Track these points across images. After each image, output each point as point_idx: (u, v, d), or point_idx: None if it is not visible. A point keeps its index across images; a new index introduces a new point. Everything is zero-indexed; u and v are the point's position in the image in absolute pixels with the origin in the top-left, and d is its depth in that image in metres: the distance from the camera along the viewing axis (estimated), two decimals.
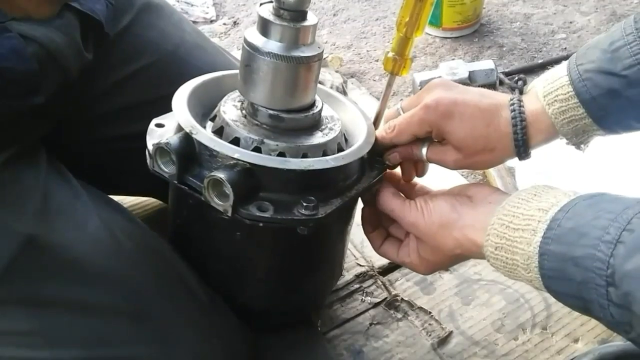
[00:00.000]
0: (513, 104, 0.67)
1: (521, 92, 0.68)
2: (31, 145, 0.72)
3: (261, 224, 0.63)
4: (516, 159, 0.70)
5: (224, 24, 1.83)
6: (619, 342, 0.82)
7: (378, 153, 0.74)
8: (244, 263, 0.75)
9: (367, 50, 1.66)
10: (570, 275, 0.51)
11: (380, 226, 0.76)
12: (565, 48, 1.64)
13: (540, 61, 1.59)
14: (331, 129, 0.73)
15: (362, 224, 0.77)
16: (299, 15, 0.65)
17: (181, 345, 0.70)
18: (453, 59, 1.58)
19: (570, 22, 1.73)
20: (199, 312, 0.73)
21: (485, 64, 1.47)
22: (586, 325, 0.93)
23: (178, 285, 0.73)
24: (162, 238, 0.78)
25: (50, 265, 0.66)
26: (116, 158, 0.86)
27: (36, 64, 0.69)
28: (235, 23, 1.83)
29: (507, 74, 1.52)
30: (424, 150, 0.72)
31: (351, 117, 0.78)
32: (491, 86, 1.44)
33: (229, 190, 0.60)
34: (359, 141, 0.72)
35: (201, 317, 0.73)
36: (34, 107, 0.71)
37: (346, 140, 0.75)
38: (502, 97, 0.69)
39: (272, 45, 0.65)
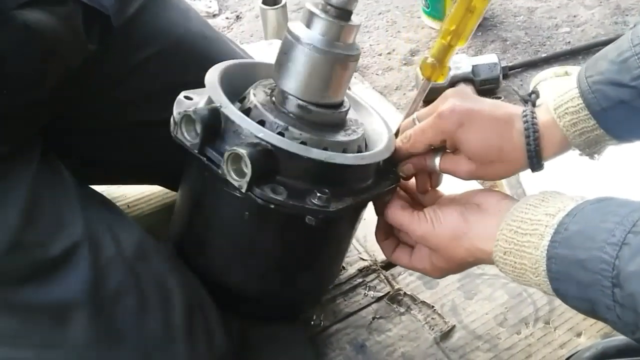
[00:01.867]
0: (526, 115, 0.67)
1: (534, 105, 0.68)
2: (26, 139, 0.72)
3: (272, 206, 0.63)
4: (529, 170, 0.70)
5: (227, 18, 1.83)
6: (621, 337, 0.82)
7: (393, 164, 0.74)
8: (245, 243, 0.75)
9: (370, 45, 1.66)
10: (577, 278, 0.52)
11: (392, 234, 0.76)
12: (569, 42, 1.63)
13: (544, 55, 1.58)
14: (354, 131, 0.74)
15: (376, 232, 0.77)
16: (344, 13, 0.66)
17: (164, 347, 0.70)
18: (457, 53, 1.57)
19: (574, 16, 1.72)
20: (183, 318, 0.72)
21: (489, 58, 1.47)
22: (589, 319, 0.93)
23: (159, 287, 0.72)
24: (163, 237, 0.78)
25: (31, 268, 0.65)
26: (122, 146, 0.86)
27: (39, 57, 0.68)
28: (237, 17, 1.83)
29: (511, 68, 1.52)
30: (437, 161, 0.72)
31: (374, 125, 0.79)
32: (495, 80, 1.44)
33: (247, 166, 0.60)
34: (380, 147, 0.73)
35: (183, 319, 0.72)
36: (37, 101, 0.70)
37: (366, 145, 0.76)
38: (515, 109, 0.69)
39: (314, 37, 0.66)
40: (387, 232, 0.76)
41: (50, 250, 0.66)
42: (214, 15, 1.83)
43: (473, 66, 1.43)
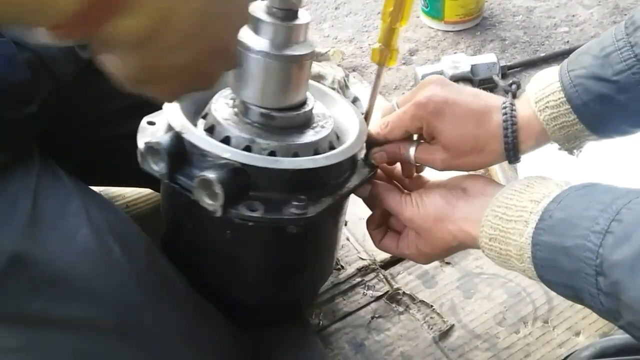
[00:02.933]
0: (505, 107, 0.67)
1: (514, 96, 0.68)
2: (23, 149, 0.71)
3: (251, 223, 0.62)
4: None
5: None
6: (620, 336, 0.82)
7: (370, 150, 0.74)
8: (234, 260, 0.75)
9: (369, 44, 1.66)
10: (561, 265, 0.53)
11: (382, 224, 0.76)
12: (568, 41, 1.63)
13: (542, 54, 1.58)
14: (323, 127, 0.73)
15: (367, 220, 0.77)
16: (291, 13, 0.64)
17: (172, 355, 0.70)
18: (455, 53, 1.58)
19: (573, 16, 1.72)
20: (189, 322, 0.73)
21: (488, 57, 1.47)
22: (588, 318, 0.94)
23: (167, 294, 0.72)
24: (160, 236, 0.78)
25: (36, 281, 0.65)
26: (117, 154, 0.86)
27: (29, 73, 0.67)
28: None
29: (509, 68, 1.52)
30: (412, 150, 0.72)
31: (343, 114, 0.78)
32: (493, 80, 1.44)
33: (219, 190, 0.60)
34: (351, 139, 0.72)
35: (191, 327, 0.72)
36: (29, 115, 0.70)
37: (338, 137, 0.75)
38: (495, 100, 0.69)
39: (264, 43, 0.64)
40: (378, 223, 0.76)
41: (56, 261, 0.65)
42: None
43: (472, 65, 1.43)
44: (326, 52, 1.49)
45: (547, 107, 0.66)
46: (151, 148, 0.64)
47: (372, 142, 0.73)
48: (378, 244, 0.76)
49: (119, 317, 0.67)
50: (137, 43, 0.42)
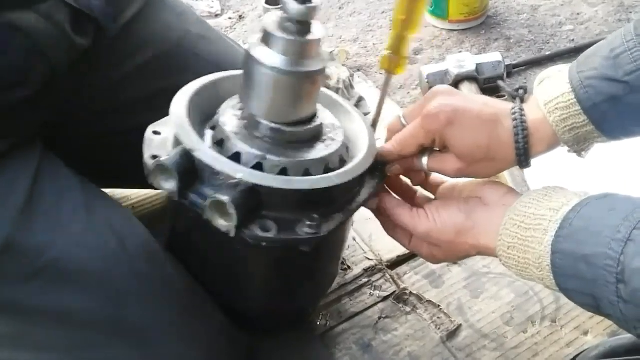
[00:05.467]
0: (515, 113, 0.67)
1: (522, 101, 0.68)
2: (26, 138, 0.71)
3: (264, 244, 0.62)
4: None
5: (230, 18, 1.83)
6: (629, 335, 0.82)
7: (377, 163, 0.72)
8: (242, 275, 0.75)
9: (374, 44, 1.65)
10: (581, 273, 0.53)
11: None
12: (573, 40, 1.63)
13: (547, 53, 1.58)
14: (333, 139, 0.72)
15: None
16: (305, 28, 0.63)
17: (161, 348, 0.70)
18: (460, 52, 1.57)
19: (578, 14, 1.72)
20: (179, 317, 0.72)
21: (493, 56, 1.46)
22: (596, 317, 0.93)
23: (161, 287, 0.72)
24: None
25: (27, 268, 0.65)
26: (122, 151, 0.86)
27: (22, 56, 0.68)
28: (240, 17, 1.82)
29: (514, 66, 1.51)
30: (425, 161, 0.72)
31: (351, 122, 0.77)
32: (499, 79, 1.43)
33: (232, 211, 0.59)
34: (362, 153, 0.71)
35: (182, 320, 0.73)
36: (22, 99, 0.70)
37: (347, 148, 0.74)
38: (504, 106, 0.69)
39: (277, 59, 0.63)
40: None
41: (48, 250, 0.66)
42: (217, 16, 1.83)
43: (477, 64, 1.42)
44: (330, 52, 1.49)
45: (557, 108, 0.66)
46: (161, 166, 0.62)
47: (386, 159, 0.73)
48: (390, 230, 0.75)
49: (109, 307, 0.67)
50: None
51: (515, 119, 0.67)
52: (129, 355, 0.69)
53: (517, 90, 1.41)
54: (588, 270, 0.52)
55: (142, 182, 0.98)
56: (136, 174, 0.88)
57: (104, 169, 0.88)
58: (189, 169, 0.62)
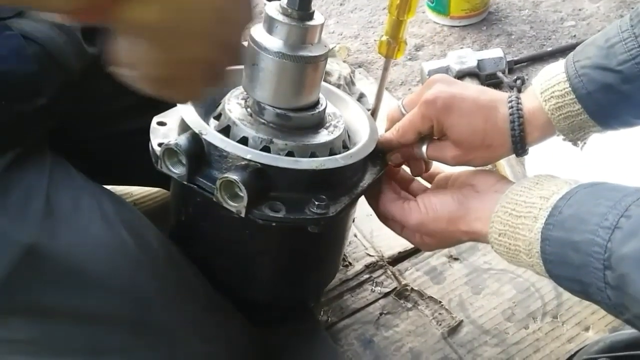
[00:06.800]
0: (511, 101, 0.68)
1: (519, 91, 0.69)
2: (35, 144, 0.71)
3: (274, 224, 0.63)
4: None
5: None
6: (630, 330, 0.82)
7: (379, 150, 0.74)
8: (250, 260, 0.75)
9: (375, 40, 1.65)
10: (570, 260, 0.54)
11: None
12: (575, 35, 1.62)
13: (549, 49, 1.57)
14: (335, 126, 0.73)
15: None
16: (306, 14, 0.65)
17: (184, 349, 0.70)
18: (461, 48, 1.57)
19: (580, 10, 1.71)
20: (201, 315, 0.73)
21: (494, 52, 1.46)
22: (597, 313, 0.93)
23: (181, 287, 0.73)
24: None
25: (51, 273, 0.65)
26: (127, 151, 0.86)
27: (37, 66, 0.68)
28: None
29: (516, 62, 1.51)
30: (424, 149, 0.73)
31: (351, 111, 0.79)
32: (500, 74, 1.43)
33: (242, 191, 0.60)
34: (364, 138, 0.73)
35: (204, 320, 0.73)
36: (37, 108, 0.70)
37: (349, 136, 0.76)
38: (500, 94, 0.70)
39: (280, 44, 0.64)
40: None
41: (71, 254, 0.66)
42: None
43: (478, 60, 1.43)
44: (332, 49, 1.49)
45: (552, 97, 0.67)
46: (170, 150, 0.64)
47: (386, 147, 0.74)
48: (382, 220, 0.75)
49: (132, 309, 0.68)
50: (153, 31, 0.43)
51: (511, 107, 0.68)
52: (154, 358, 0.69)
53: (515, 80, 1.42)
54: (576, 257, 0.53)
55: (145, 180, 0.99)
56: (140, 173, 0.89)
57: (106, 168, 0.88)
58: (198, 153, 0.64)
